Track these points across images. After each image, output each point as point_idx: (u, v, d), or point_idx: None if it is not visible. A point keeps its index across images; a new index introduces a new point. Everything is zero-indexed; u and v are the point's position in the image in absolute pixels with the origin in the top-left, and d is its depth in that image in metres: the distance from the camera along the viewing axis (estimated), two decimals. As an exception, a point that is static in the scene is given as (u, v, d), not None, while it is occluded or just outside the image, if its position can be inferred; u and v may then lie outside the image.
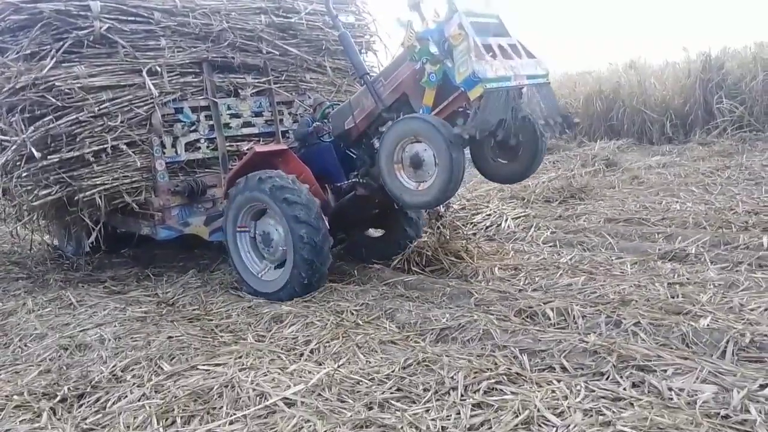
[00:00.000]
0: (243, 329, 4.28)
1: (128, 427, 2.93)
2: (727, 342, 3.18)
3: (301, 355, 3.68)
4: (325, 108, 5.51)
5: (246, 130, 6.15)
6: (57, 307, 5.09)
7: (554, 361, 3.24)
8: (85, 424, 3.02)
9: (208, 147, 5.92)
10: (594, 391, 2.84)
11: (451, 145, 3.90)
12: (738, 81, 11.83)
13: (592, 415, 2.63)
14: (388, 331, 3.98)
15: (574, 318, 3.78)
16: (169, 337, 4.13)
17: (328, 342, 3.82)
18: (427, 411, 2.83)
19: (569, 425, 2.56)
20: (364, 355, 3.58)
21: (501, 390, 2.94)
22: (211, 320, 4.56)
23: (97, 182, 5.35)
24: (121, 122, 5.37)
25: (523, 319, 3.93)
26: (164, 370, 3.55)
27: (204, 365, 3.56)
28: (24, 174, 5.28)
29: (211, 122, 5.91)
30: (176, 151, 5.74)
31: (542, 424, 2.62)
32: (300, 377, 3.29)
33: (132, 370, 3.60)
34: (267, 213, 5.04)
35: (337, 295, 4.78)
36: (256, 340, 4.02)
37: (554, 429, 2.57)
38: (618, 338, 3.42)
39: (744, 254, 4.84)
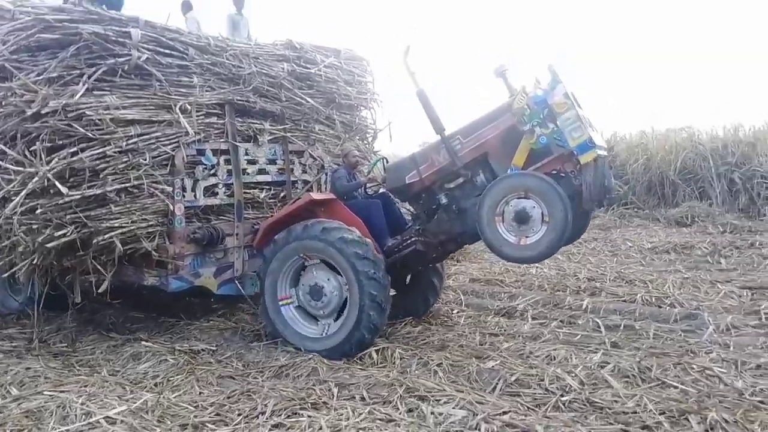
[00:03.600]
0: (101, 364, 4.74)
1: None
2: (499, 380, 4.09)
3: (144, 386, 4.18)
4: (376, 161, 5.54)
5: (260, 177, 5.91)
6: None
7: (358, 392, 3.87)
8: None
9: (225, 193, 5.58)
10: (373, 413, 3.51)
11: (568, 206, 4.15)
12: (624, 163, 13.60)
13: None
14: (234, 368, 4.58)
15: (393, 359, 4.58)
16: (27, 368, 4.52)
17: (172, 376, 4.37)
18: (234, 431, 3.39)
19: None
20: (200, 387, 4.15)
21: (300, 414, 3.53)
22: (75, 355, 5.02)
23: (115, 224, 4.79)
24: (146, 160, 4.90)
25: (351, 360, 4.61)
26: (11, 394, 4.00)
27: (48, 392, 3.95)
28: (39, 211, 4.55)
29: (229, 167, 5.60)
30: (195, 196, 5.34)
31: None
32: (129, 401, 3.75)
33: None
34: (311, 266, 4.91)
35: (195, 335, 5.38)
36: (108, 374, 4.51)
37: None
38: (416, 375, 4.19)
39: (560, 312, 5.85)
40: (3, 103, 4.75)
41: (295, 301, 5.02)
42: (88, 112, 4.59)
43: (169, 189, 5.06)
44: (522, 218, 4.31)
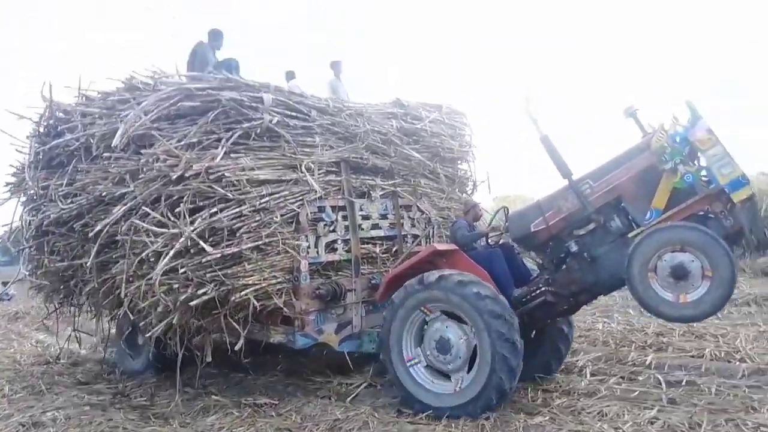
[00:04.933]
0: (174, 417, 5.14)
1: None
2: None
3: None
4: (497, 211, 5.50)
5: (373, 233, 5.97)
6: (28, 393, 6.09)
7: None
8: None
9: (343, 248, 5.65)
10: None
11: (734, 259, 3.92)
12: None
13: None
14: (292, 421, 4.80)
15: None
16: (109, 419, 5.07)
17: (236, 428, 4.71)
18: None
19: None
20: None
21: None
22: (152, 408, 5.46)
23: (249, 282, 4.88)
24: (274, 218, 5.02)
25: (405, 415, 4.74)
26: None
27: None
28: (181, 270, 4.70)
29: (346, 223, 5.68)
30: (317, 252, 5.42)
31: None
32: None
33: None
34: (433, 320, 4.78)
35: (260, 389, 5.69)
36: (180, 425, 4.93)
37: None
38: (464, 428, 4.34)
39: (621, 368, 5.65)
40: (145, 169, 5.00)
41: (422, 360, 4.83)
42: (227, 174, 4.78)
43: (297, 245, 5.15)
44: (679, 274, 4.04)
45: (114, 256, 5.46)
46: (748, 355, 5.74)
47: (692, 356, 5.90)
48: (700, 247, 3.98)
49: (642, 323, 7.39)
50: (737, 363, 5.54)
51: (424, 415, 4.62)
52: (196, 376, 5.96)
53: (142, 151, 5.06)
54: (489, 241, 5.53)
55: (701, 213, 4.29)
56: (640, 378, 5.35)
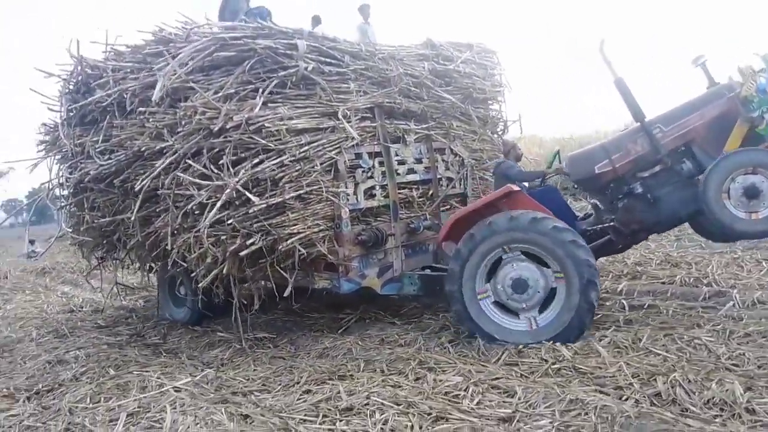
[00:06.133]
0: (183, 351, 5.74)
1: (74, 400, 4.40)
2: (503, 352, 4.44)
3: (212, 366, 5.09)
4: (554, 154, 5.52)
5: (409, 177, 5.97)
6: (53, 337, 6.80)
7: (380, 366, 4.51)
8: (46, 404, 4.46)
9: (381, 194, 5.67)
10: (386, 381, 4.12)
11: None
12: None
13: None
14: (286, 351, 5.35)
15: (417, 340, 5.13)
16: (124, 355, 5.69)
17: (236, 357, 5.32)
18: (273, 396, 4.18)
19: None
20: (255, 365, 4.98)
21: (327, 383, 4.22)
22: (164, 345, 6.12)
23: (294, 230, 4.95)
24: (314, 167, 5.04)
25: (382, 342, 5.25)
26: (109, 373, 5.07)
27: (137, 371, 4.98)
28: (228, 221, 4.77)
29: (383, 168, 5.68)
30: (357, 199, 5.45)
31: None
32: (195, 376, 4.66)
33: (87, 374, 5.12)
34: (510, 260, 4.71)
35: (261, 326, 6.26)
36: (187, 357, 5.49)
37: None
38: (432, 351, 4.71)
39: None
40: (183, 122, 5.01)
41: (491, 295, 4.79)
42: (266, 125, 4.77)
43: (337, 193, 5.18)
44: (752, 194, 4.44)
45: (157, 210, 5.53)
46: (714, 279, 5.89)
47: (662, 282, 6.09)
48: None
49: (625, 254, 7.08)
50: (703, 287, 5.67)
51: (401, 340, 5.16)
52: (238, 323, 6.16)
53: (180, 104, 5.06)
54: (543, 182, 5.53)
55: None
56: (607, 303, 5.49)
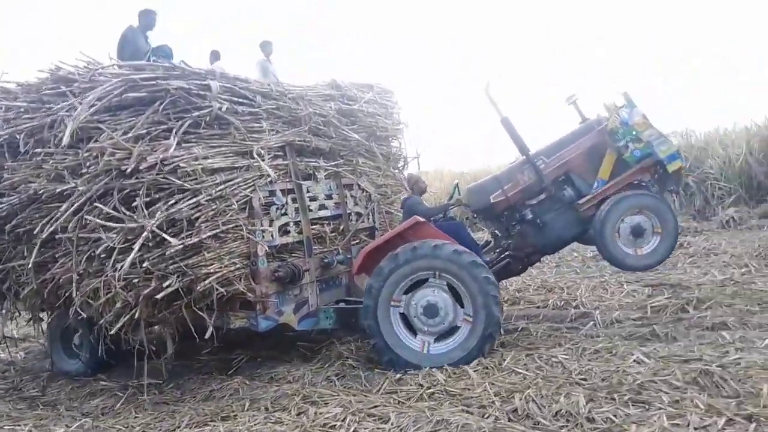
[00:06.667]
0: (62, 402, 5.50)
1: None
2: (384, 381, 4.73)
3: (92, 417, 4.99)
4: (455, 186, 5.89)
5: (321, 213, 6.11)
6: None
7: (265, 404, 4.59)
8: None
9: (295, 230, 5.76)
10: (268, 419, 4.24)
11: (676, 216, 4.95)
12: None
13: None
14: (172, 395, 5.27)
15: (303, 376, 5.25)
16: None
17: (117, 406, 5.18)
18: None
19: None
20: (136, 413, 4.93)
21: (209, 425, 4.32)
22: (43, 398, 5.81)
23: (211, 270, 4.90)
24: (230, 206, 5.04)
25: (269, 380, 5.30)
26: None
27: (8, 426, 4.81)
28: (141, 264, 4.62)
29: (296, 205, 5.78)
30: (272, 236, 5.50)
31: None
32: (71, 428, 4.63)
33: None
34: (423, 285, 5.00)
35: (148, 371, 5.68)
36: (66, 409, 5.31)
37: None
38: (317, 385, 4.89)
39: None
40: (88, 164, 4.83)
41: (402, 307, 5.04)
42: (181, 165, 4.73)
43: (253, 230, 5.20)
44: (638, 232, 5.09)
45: (56, 255, 5.23)
46: (582, 302, 6.62)
47: (537, 307, 6.73)
48: (653, 209, 5.03)
49: (507, 281, 7.63)
50: (571, 310, 6.36)
51: (290, 376, 5.21)
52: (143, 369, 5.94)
53: (83, 145, 4.87)
54: (446, 214, 5.87)
55: (635, 182, 5.26)
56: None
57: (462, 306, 4.97)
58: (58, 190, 5.01)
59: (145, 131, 4.75)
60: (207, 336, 4.96)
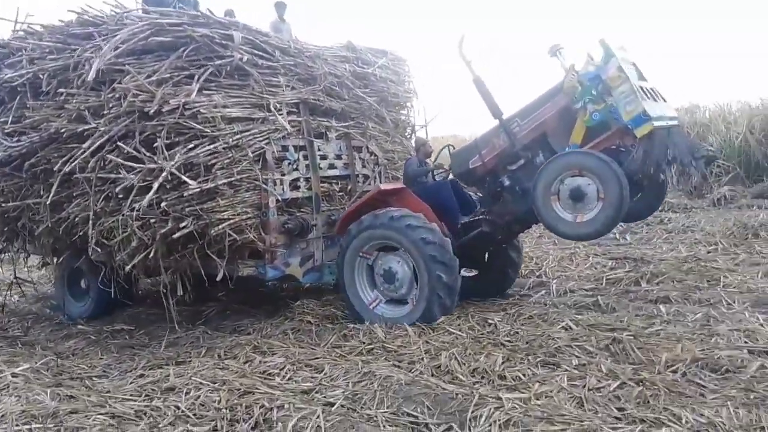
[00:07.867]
0: (39, 343, 5.66)
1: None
2: (332, 335, 4.95)
3: (64, 356, 5.16)
4: (442, 149, 5.93)
5: (330, 172, 6.26)
6: None
7: (219, 352, 4.74)
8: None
9: (305, 186, 5.91)
10: (216, 365, 4.39)
11: (623, 182, 4.24)
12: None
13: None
14: (138, 341, 5.50)
15: (265, 326, 5.39)
16: None
17: (88, 347, 5.40)
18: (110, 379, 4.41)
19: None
20: (102, 354, 5.12)
21: (162, 368, 4.44)
22: (24, 338, 5.99)
23: (225, 216, 5.06)
24: (245, 155, 5.19)
25: (236, 331, 5.48)
26: None
27: None
28: (164, 204, 4.77)
29: (307, 162, 5.94)
30: (283, 189, 5.66)
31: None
32: (38, 364, 4.74)
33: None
34: (376, 259, 5.24)
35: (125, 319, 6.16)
36: (42, 349, 5.42)
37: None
38: (271, 337, 5.00)
39: None
40: (111, 105, 4.96)
41: (381, 298, 5.27)
42: (202, 110, 4.87)
43: (265, 182, 5.36)
44: (577, 196, 4.41)
45: (74, 194, 5.38)
46: (545, 272, 6.77)
47: None
48: (595, 172, 4.34)
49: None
50: (531, 278, 6.54)
51: (251, 328, 5.35)
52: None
53: (105, 86, 5.00)
54: (435, 176, 5.98)
55: (614, 147, 4.61)
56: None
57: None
58: (79, 130, 5.14)
59: (168, 75, 4.88)
60: (218, 279, 5.13)
